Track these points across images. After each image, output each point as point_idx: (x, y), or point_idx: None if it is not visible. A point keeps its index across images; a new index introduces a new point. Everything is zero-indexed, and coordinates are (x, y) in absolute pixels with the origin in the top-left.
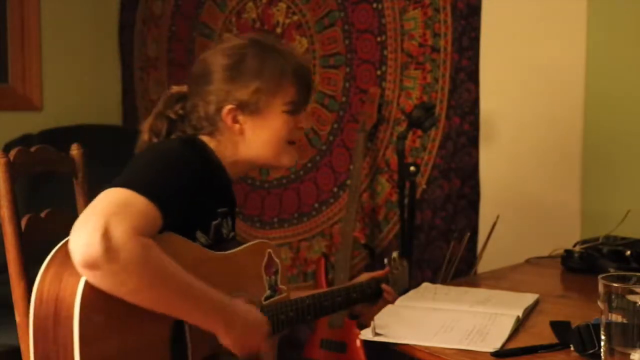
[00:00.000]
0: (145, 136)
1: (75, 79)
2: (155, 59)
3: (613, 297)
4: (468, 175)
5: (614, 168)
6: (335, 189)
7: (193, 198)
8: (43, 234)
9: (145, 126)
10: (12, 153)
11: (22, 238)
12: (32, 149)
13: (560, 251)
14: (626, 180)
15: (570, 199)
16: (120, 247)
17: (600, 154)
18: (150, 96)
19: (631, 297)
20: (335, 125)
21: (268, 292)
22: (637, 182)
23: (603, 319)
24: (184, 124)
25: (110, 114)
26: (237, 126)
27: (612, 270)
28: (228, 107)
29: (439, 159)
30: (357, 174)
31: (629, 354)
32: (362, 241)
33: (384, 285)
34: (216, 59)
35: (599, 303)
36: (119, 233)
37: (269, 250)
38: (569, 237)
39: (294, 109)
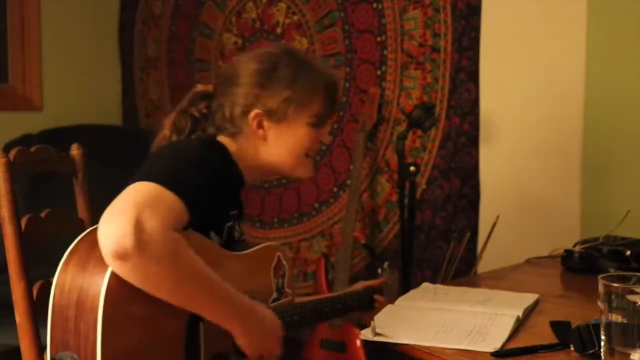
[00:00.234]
0: (166, 132)
1: (75, 79)
2: (155, 59)
3: (613, 297)
4: (468, 175)
5: (614, 168)
6: (335, 189)
7: (212, 198)
8: (43, 234)
9: (167, 122)
10: (12, 153)
11: (22, 238)
12: (32, 149)
13: (560, 251)
14: (626, 180)
15: (570, 199)
16: (153, 240)
17: (600, 154)
18: (150, 96)
19: (631, 297)
20: (335, 125)
21: (275, 295)
22: (637, 182)
23: (603, 319)
24: (206, 122)
25: (110, 114)
26: (260, 131)
27: (612, 270)
28: (255, 111)
29: (439, 159)
30: (357, 174)
31: (629, 354)
32: (362, 241)
33: (376, 296)
34: (249, 64)
35: (599, 303)
36: (152, 226)
37: (278, 253)
38: (569, 237)
39: (318, 122)
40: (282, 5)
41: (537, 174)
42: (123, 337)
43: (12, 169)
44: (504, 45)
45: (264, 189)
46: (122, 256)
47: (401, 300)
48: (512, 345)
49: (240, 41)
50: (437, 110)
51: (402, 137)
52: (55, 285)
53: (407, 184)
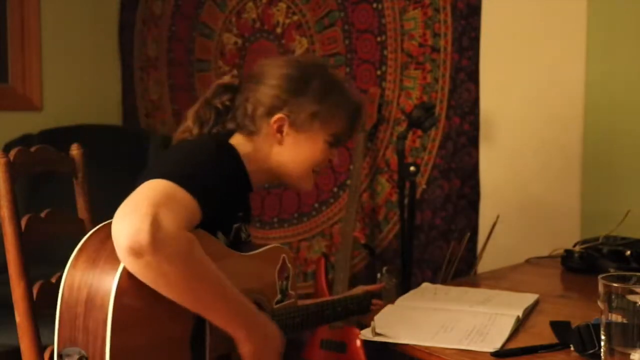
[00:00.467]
0: (189, 123)
1: (75, 79)
2: (155, 59)
3: (613, 297)
4: (468, 175)
5: (614, 168)
6: (335, 189)
7: (223, 199)
8: (43, 234)
9: (189, 112)
10: (12, 153)
11: (22, 238)
12: (32, 149)
13: (560, 251)
14: (626, 181)
15: (570, 199)
16: (168, 238)
17: (600, 154)
18: (150, 96)
19: (631, 297)
20: None
21: (279, 297)
22: (637, 182)
23: (603, 319)
24: (227, 116)
25: (110, 114)
26: (279, 135)
27: (612, 270)
28: (279, 115)
29: (439, 159)
30: (357, 174)
31: (629, 354)
32: (362, 241)
33: (375, 301)
34: (282, 68)
35: (599, 303)
36: (168, 224)
37: (283, 255)
38: (569, 237)
39: (335, 142)
40: (282, 5)
41: (537, 174)
42: (131, 335)
43: (12, 169)
44: (504, 45)
45: (264, 189)
46: (136, 253)
47: (401, 300)
48: (512, 345)
49: (240, 41)
50: (437, 110)
51: (402, 137)
52: (64, 282)
53: (407, 184)
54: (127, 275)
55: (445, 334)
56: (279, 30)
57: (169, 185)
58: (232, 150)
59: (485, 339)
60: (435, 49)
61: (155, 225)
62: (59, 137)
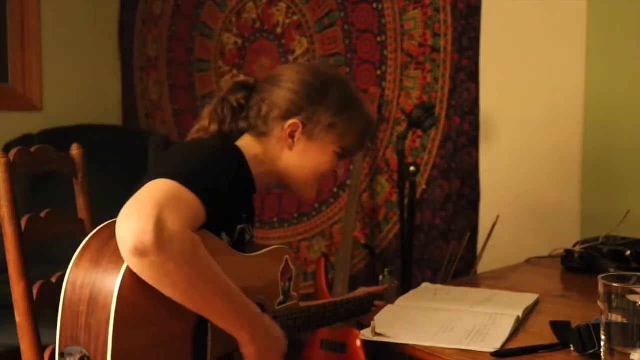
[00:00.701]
0: (204, 122)
1: (75, 79)
2: (155, 59)
3: (613, 297)
4: (468, 175)
5: (613, 168)
6: (335, 189)
7: (228, 199)
8: (43, 234)
9: (205, 112)
10: (12, 153)
11: (22, 238)
12: (32, 149)
13: (560, 251)
14: (626, 181)
15: (570, 199)
16: (173, 239)
17: (600, 154)
18: (150, 96)
19: (631, 297)
20: None
21: (281, 298)
22: (637, 182)
23: (603, 319)
24: (241, 114)
25: (110, 114)
26: (290, 141)
27: (612, 270)
28: (294, 120)
29: (439, 159)
30: (357, 174)
31: (629, 354)
32: (362, 241)
33: (377, 302)
34: (302, 74)
35: (599, 303)
36: (172, 225)
37: (286, 256)
38: (569, 237)
39: (344, 154)
40: (282, 5)
41: (537, 174)
42: (134, 335)
43: (12, 169)
44: (504, 45)
45: (264, 189)
46: (141, 253)
47: (401, 300)
48: (512, 345)
49: (240, 41)
50: (437, 110)
51: (402, 137)
52: (67, 280)
53: (407, 184)
54: (130, 274)
55: (445, 334)
56: (279, 30)
57: (174, 185)
58: (237, 151)
59: (485, 339)
60: (435, 49)
61: (160, 225)
62: (59, 137)
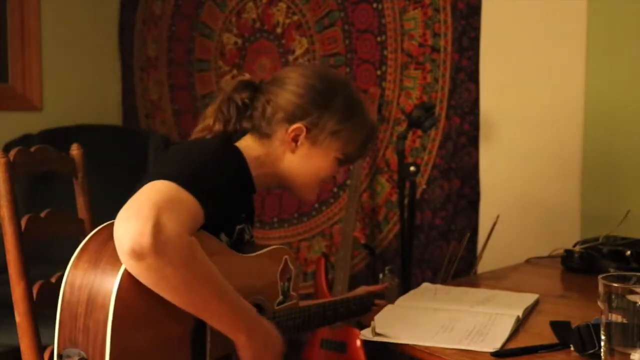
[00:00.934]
0: (208, 121)
1: (75, 79)
2: (155, 59)
3: (613, 297)
4: (468, 175)
5: (613, 168)
6: (335, 189)
7: (227, 200)
8: (43, 234)
9: (209, 111)
10: (12, 153)
11: (22, 238)
12: (32, 149)
13: (560, 251)
14: (626, 181)
15: (570, 199)
16: (170, 242)
17: (600, 154)
18: (150, 96)
19: (631, 297)
20: None
21: (280, 298)
22: (637, 182)
23: (603, 319)
24: (244, 114)
25: (110, 114)
26: (293, 144)
27: (612, 270)
28: (299, 124)
29: (439, 159)
30: (357, 174)
31: (629, 354)
32: (362, 241)
33: (377, 301)
34: (308, 78)
35: (599, 303)
36: (171, 227)
37: (285, 256)
38: (569, 237)
39: (345, 160)
40: (282, 5)
41: (537, 174)
42: (132, 337)
43: (12, 169)
44: (504, 45)
45: (264, 189)
46: (138, 255)
47: (401, 300)
48: (512, 345)
49: (240, 41)
50: (437, 110)
51: (402, 137)
52: (66, 282)
53: (407, 184)
54: (128, 276)
55: (445, 334)
56: (279, 30)
57: (172, 186)
58: (237, 151)
59: (485, 339)
60: (435, 49)
61: (158, 228)
62: (59, 137)
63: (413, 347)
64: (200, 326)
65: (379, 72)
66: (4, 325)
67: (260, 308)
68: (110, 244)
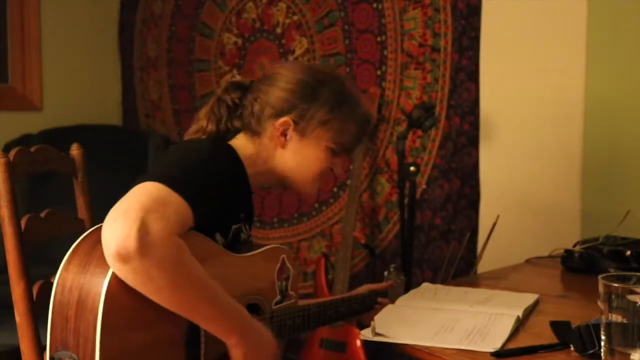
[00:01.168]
0: (202, 123)
1: (75, 79)
2: (155, 59)
3: (613, 297)
4: (468, 175)
5: (614, 168)
6: (335, 189)
7: (220, 200)
8: (43, 234)
9: (201, 113)
10: (12, 153)
11: (22, 238)
12: (32, 149)
13: (560, 251)
14: (626, 181)
15: (570, 199)
16: (156, 244)
17: (600, 154)
18: (150, 96)
19: (631, 297)
20: None
21: (278, 298)
22: (637, 182)
23: (603, 319)
24: (234, 114)
25: (110, 114)
26: (282, 139)
27: (612, 270)
28: (285, 118)
29: (439, 159)
30: (357, 174)
31: (629, 354)
32: (362, 241)
33: (380, 299)
34: (296, 73)
35: (599, 303)
36: (157, 230)
37: (283, 255)
38: (569, 237)
39: (339, 151)
40: (282, 5)
41: (537, 174)
42: (122, 338)
43: (12, 169)
44: (504, 45)
45: (263, 189)
46: (124, 258)
47: (401, 301)
48: (512, 345)
49: (240, 41)
50: (437, 110)
51: (402, 137)
52: (57, 284)
53: (407, 184)
54: (117, 278)
55: (445, 334)
56: (279, 30)
57: (161, 188)
58: (231, 150)
59: (485, 339)
60: (435, 49)
61: (144, 230)
62: (59, 137)
63: (413, 347)
64: (194, 328)
65: (379, 72)
66: (4, 325)
67: (257, 308)
68: (99, 246)
